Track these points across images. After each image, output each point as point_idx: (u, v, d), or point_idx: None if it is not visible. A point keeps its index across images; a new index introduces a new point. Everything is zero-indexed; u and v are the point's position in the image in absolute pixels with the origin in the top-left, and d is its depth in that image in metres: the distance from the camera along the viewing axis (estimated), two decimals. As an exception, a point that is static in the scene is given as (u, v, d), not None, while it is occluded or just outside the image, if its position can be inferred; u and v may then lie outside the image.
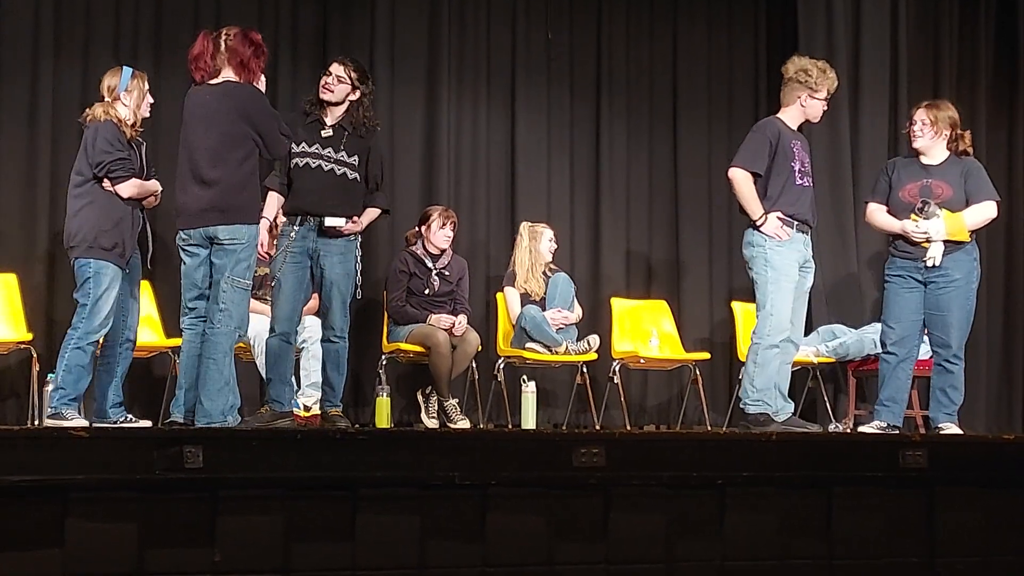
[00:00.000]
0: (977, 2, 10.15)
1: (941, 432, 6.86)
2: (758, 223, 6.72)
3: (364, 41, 9.05)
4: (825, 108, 7.02)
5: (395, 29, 9.14)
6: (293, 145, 6.76)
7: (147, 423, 6.79)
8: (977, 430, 9.16)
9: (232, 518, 5.36)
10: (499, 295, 8.69)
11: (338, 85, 6.88)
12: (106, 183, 6.36)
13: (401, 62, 9.11)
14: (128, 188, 6.39)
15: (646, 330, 8.89)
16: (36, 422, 7.25)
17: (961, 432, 7.02)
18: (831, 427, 8.28)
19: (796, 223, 6.78)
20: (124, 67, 6.63)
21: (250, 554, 5.38)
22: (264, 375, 7.10)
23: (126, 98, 6.49)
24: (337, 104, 6.91)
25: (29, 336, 7.59)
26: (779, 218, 6.71)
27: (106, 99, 6.50)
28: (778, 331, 6.74)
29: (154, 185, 6.57)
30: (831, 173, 9.48)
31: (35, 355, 7.56)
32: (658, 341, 8.82)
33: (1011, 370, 9.93)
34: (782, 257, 6.73)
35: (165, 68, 8.45)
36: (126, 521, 5.23)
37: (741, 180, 6.77)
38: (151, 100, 6.63)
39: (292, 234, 6.78)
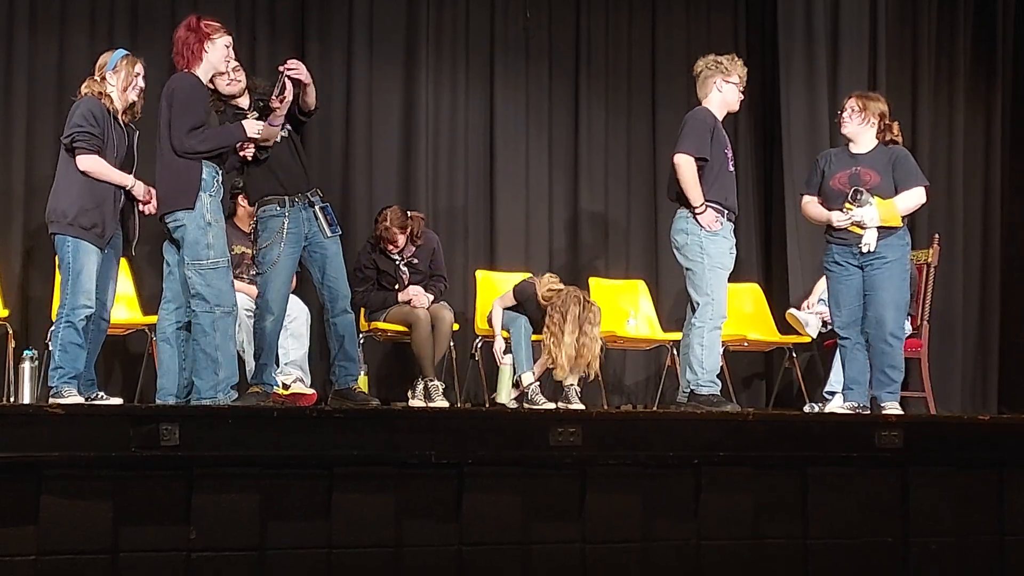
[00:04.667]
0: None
1: (885, 411, 6.96)
2: (697, 211, 6.91)
3: (343, 20, 9.01)
4: (741, 96, 7.22)
5: (373, 8, 9.10)
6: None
7: (119, 400, 6.77)
8: (952, 411, 9.22)
9: (208, 496, 5.36)
10: (480, 272, 8.70)
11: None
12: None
13: (379, 41, 9.08)
14: (86, 161, 6.30)
15: (624, 309, 8.90)
16: (12, 399, 7.22)
17: (902, 412, 7.14)
18: (805, 408, 8.32)
19: (727, 211, 7.03)
20: (119, 48, 6.61)
21: (226, 532, 5.38)
22: (240, 352, 7.10)
23: (112, 78, 6.45)
24: (243, 92, 6.71)
25: (5, 312, 7.55)
26: (714, 208, 6.93)
27: (95, 77, 6.48)
28: (720, 315, 6.97)
29: (120, 177, 6.37)
30: (809, 163, 9.46)
31: (11, 332, 7.52)
32: (636, 320, 8.83)
33: (986, 351, 9.99)
34: (717, 245, 6.97)
35: (141, 44, 8.38)
36: (101, 499, 5.22)
37: (687, 166, 6.96)
38: (142, 85, 6.54)
39: (286, 218, 6.58)
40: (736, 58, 7.21)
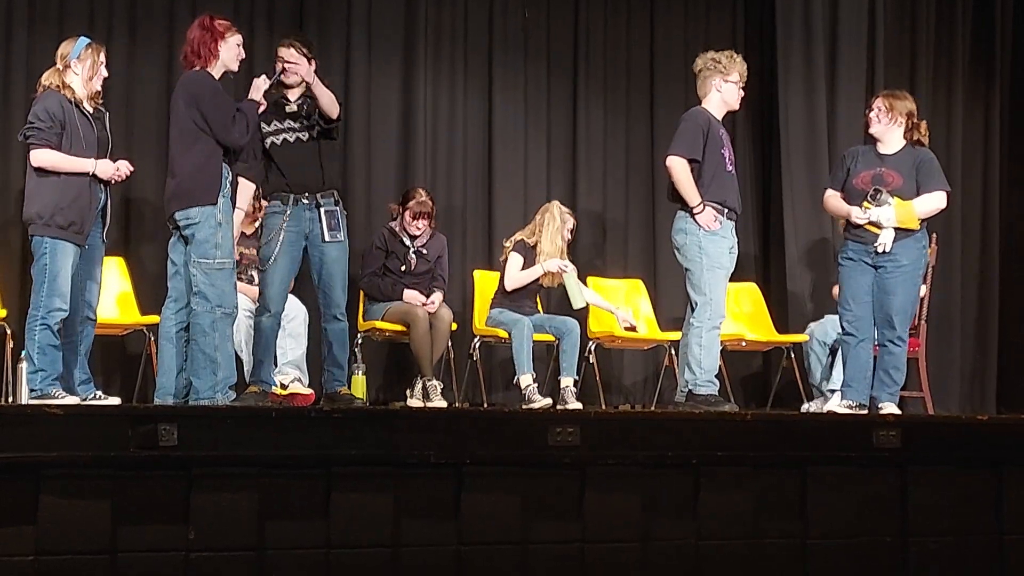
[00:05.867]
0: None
1: (882, 412, 6.98)
2: (695, 211, 6.91)
3: (341, 19, 9.01)
4: (741, 93, 7.22)
5: (371, 6, 9.10)
6: (264, 125, 6.75)
7: (116, 400, 6.76)
8: (951, 410, 9.22)
9: (206, 496, 5.35)
10: (477, 272, 8.69)
11: (298, 67, 6.75)
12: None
13: (378, 40, 9.07)
14: (38, 156, 6.30)
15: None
16: (11, 399, 7.20)
17: (899, 412, 7.16)
18: (803, 407, 8.33)
19: (727, 211, 7.03)
20: (81, 36, 6.59)
21: (224, 532, 5.37)
22: (238, 352, 7.10)
23: (76, 66, 6.43)
24: (299, 84, 6.82)
25: (3, 312, 7.53)
26: (713, 208, 6.93)
27: (58, 66, 6.46)
28: (718, 315, 6.99)
29: (78, 164, 6.34)
30: (808, 161, 9.51)
31: (9, 331, 7.50)
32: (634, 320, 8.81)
33: (985, 352, 9.99)
34: (715, 245, 6.98)
35: (140, 41, 8.41)
36: (100, 499, 5.22)
37: (680, 168, 6.98)
38: (105, 74, 6.56)
39: (286, 216, 6.68)
40: (735, 56, 7.20)
